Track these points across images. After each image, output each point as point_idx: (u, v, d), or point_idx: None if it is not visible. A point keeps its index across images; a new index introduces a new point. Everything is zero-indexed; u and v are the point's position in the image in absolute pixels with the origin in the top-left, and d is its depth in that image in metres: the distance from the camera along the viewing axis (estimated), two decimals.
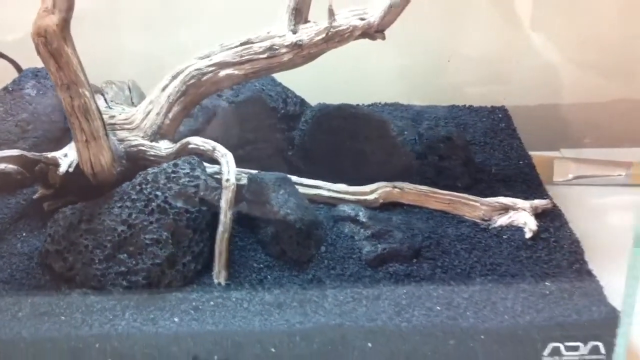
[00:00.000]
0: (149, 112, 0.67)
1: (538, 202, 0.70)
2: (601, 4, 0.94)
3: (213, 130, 0.72)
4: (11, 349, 0.56)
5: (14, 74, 0.78)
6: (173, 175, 0.60)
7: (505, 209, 0.70)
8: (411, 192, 0.70)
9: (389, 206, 0.70)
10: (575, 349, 0.59)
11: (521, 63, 0.98)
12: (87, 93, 0.57)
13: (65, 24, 0.53)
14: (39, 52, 0.55)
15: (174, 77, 0.68)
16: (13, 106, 0.68)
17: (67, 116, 0.57)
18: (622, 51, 0.96)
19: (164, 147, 0.65)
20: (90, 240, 0.58)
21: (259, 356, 0.58)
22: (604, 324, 0.60)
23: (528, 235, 0.68)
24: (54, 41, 0.54)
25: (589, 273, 0.64)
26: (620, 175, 0.90)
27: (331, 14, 0.66)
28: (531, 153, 0.85)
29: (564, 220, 0.70)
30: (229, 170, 0.61)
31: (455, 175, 0.73)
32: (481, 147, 0.82)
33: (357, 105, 0.82)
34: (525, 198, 0.71)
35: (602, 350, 0.59)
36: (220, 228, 0.59)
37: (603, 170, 0.88)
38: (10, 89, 0.70)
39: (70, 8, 0.52)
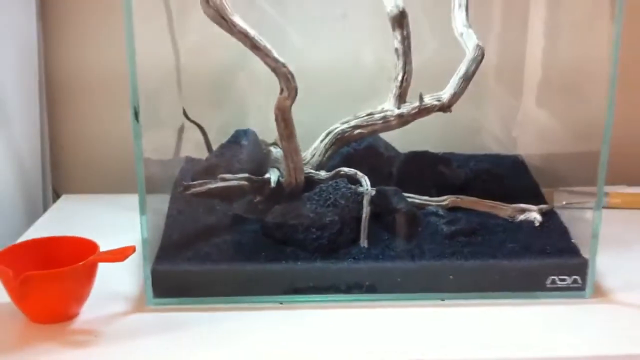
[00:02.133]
0: (314, 154, 1.03)
1: (543, 206, 1.02)
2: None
3: (345, 166, 1.02)
4: (253, 274, 0.93)
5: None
6: (337, 186, 0.96)
7: (523, 210, 1.02)
8: (467, 200, 1.03)
9: (454, 209, 1.03)
10: (564, 280, 0.92)
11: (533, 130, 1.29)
12: (296, 141, 0.94)
13: (292, 104, 0.91)
14: (277, 119, 0.91)
15: (328, 134, 1.03)
16: (234, 150, 1.03)
17: (284, 153, 0.99)
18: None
19: (323, 173, 1.01)
20: (295, 220, 0.94)
21: (390, 282, 0.91)
22: (580, 266, 0.92)
23: (537, 224, 1.00)
24: (287, 113, 0.91)
25: (573, 243, 0.96)
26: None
27: (421, 98, 1.00)
28: None
29: (558, 218, 1.02)
30: (367, 183, 0.97)
31: (493, 192, 1.04)
32: (508, 178, 1.13)
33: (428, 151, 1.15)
34: (535, 205, 1.03)
35: (580, 281, 0.92)
36: (364, 215, 0.94)
37: (587, 198, 1.07)
38: (232, 140, 1.05)
39: (295, 96, 0.90)
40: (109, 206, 1.24)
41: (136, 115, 0.86)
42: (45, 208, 1.31)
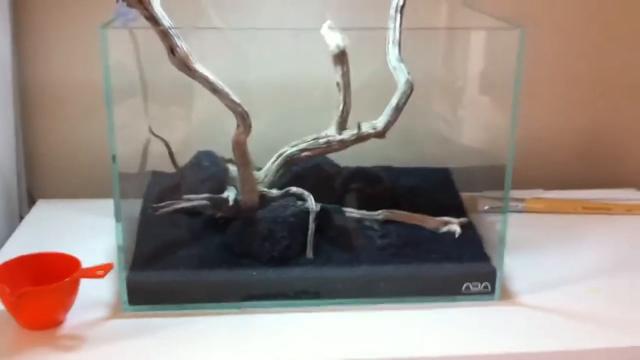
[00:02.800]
0: (266, 174, 1.16)
1: (462, 219, 1.15)
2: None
3: (294, 184, 1.14)
4: (215, 283, 1.04)
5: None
6: (286, 205, 1.10)
7: (446, 222, 1.15)
8: (399, 214, 1.16)
9: (387, 222, 1.15)
10: (477, 286, 1.05)
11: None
12: (250, 167, 1.09)
13: (247, 137, 1.04)
14: (234, 149, 1.05)
15: (279, 157, 1.14)
16: (196, 170, 1.16)
17: (240, 177, 1.13)
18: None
19: (275, 192, 1.16)
20: (250, 236, 1.08)
21: (332, 288, 1.03)
22: (489, 274, 1.06)
23: (457, 235, 1.13)
24: (242, 146, 1.05)
25: (485, 252, 1.10)
26: (517, 205, 1.37)
27: (359, 126, 1.11)
28: (465, 193, 1.27)
29: (475, 229, 1.15)
30: (312, 202, 1.12)
31: (422, 205, 1.17)
32: (435, 191, 1.27)
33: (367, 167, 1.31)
34: (456, 217, 1.16)
35: (489, 286, 1.05)
36: (310, 231, 1.07)
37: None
38: (193, 161, 1.18)
39: (250, 132, 1.02)
40: (83, 211, 1.38)
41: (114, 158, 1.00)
42: (21, 212, 1.43)
